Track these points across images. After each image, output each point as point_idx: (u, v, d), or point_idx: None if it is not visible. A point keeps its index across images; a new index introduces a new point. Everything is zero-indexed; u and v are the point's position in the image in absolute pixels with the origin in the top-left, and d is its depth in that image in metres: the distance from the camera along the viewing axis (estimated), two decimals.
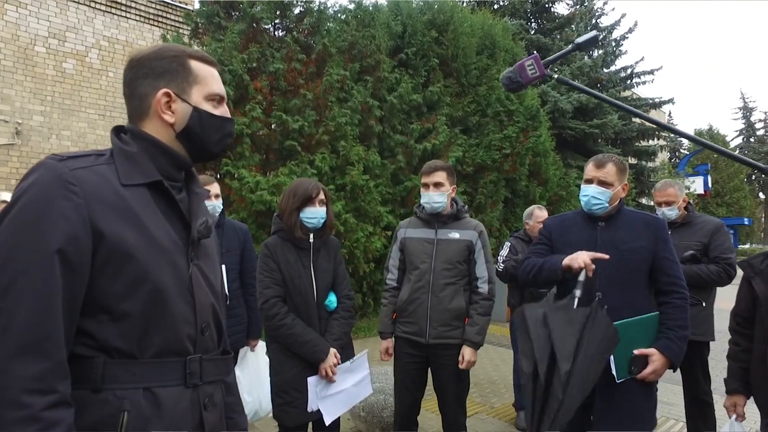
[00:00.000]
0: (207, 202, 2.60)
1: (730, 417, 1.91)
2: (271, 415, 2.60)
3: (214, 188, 2.67)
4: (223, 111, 1.06)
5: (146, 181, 0.95)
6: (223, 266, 2.52)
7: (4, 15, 8.30)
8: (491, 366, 5.25)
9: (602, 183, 1.95)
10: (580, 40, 1.46)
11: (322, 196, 2.17)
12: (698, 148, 26.19)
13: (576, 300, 1.71)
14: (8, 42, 8.33)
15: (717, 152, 1.36)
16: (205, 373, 0.99)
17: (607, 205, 1.96)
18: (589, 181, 1.98)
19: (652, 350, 1.84)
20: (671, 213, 2.84)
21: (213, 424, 1.02)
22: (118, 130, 1.02)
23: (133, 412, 0.87)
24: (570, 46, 1.50)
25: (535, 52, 1.48)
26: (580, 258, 1.80)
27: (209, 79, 1.04)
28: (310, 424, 2.25)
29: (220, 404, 1.06)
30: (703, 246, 2.73)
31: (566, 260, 1.85)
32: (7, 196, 2.47)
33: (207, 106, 1.03)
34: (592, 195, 1.95)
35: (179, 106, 1.00)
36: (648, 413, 1.93)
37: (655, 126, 16.20)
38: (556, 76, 1.45)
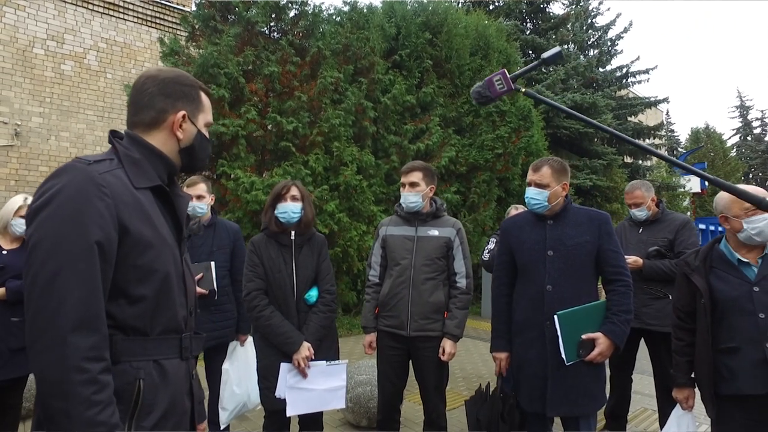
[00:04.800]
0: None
1: (682, 408, 2.03)
2: (259, 407, 2.73)
3: (198, 190, 2.75)
4: (208, 135, 1.28)
5: (151, 185, 1.11)
6: (213, 263, 2.65)
7: (3, 17, 8.40)
8: (481, 361, 5.37)
9: (538, 185, 2.16)
10: (545, 55, 1.50)
11: (293, 192, 2.33)
12: (695, 146, 26.30)
13: None
14: (7, 44, 8.43)
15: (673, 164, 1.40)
16: (192, 348, 1.18)
17: (546, 204, 2.15)
18: (529, 184, 2.20)
19: (597, 334, 2.03)
20: (640, 214, 3.00)
21: (197, 393, 1.21)
22: (114, 134, 1.16)
23: (146, 380, 1.03)
24: (536, 62, 1.58)
25: (503, 69, 1.55)
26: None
27: (209, 110, 1.26)
28: (297, 419, 2.37)
29: (197, 376, 1.25)
30: (668, 242, 2.87)
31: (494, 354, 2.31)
32: (19, 200, 2.60)
33: (205, 131, 1.24)
34: (530, 197, 2.17)
35: (188, 127, 1.19)
36: (598, 392, 2.11)
37: (650, 125, 16.31)
38: (523, 90, 1.53)
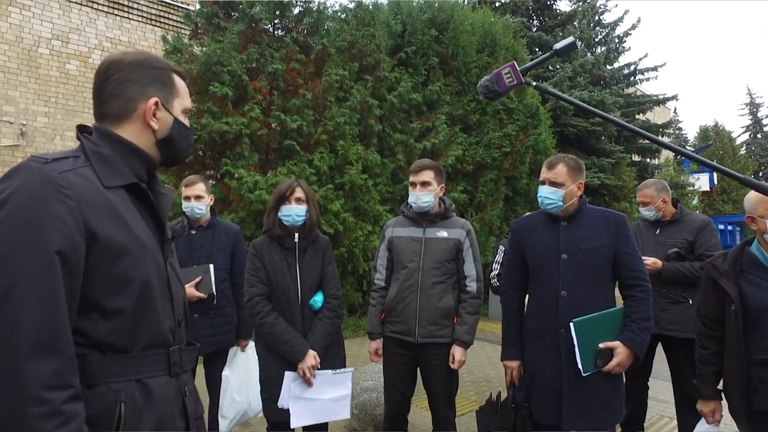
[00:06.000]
0: (186, 204, 2.63)
1: (708, 422, 1.91)
2: (261, 414, 2.64)
3: (196, 189, 2.66)
4: (188, 123, 1.15)
5: (124, 183, 0.99)
6: (212, 266, 2.56)
7: (8, 17, 8.38)
8: (489, 364, 5.26)
9: (553, 183, 2.03)
10: (558, 45, 1.43)
11: (298, 194, 2.20)
12: (704, 144, 25.99)
13: None
14: (12, 44, 8.41)
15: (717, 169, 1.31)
16: (183, 362, 1.06)
17: (561, 204, 2.03)
18: (542, 183, 2.08)
19: (616, 343, 1.91)
20: (647, 213, 2.90)
21: (192, 410, 1.09)
22: (81, 129, 1.04)
23: (128, 403, 0.92)
24: (548, 53, 1.48)
25: (512, 62, 1.45)
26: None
27: (185, 94, 1.13)
28: (302, 426, 2.27)
29: (195, 390, 1.13)
30: (688, 243, 2.75)
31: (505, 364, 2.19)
32: None
33: (183, 118, 1.12)
34: (544, 196, 2.05)
35: (163, 116, 1.07)
36: (616, 404, 1.99)
37: (658, 123, 16.10)
38: (533, 83, 1.43)
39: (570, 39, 1.45)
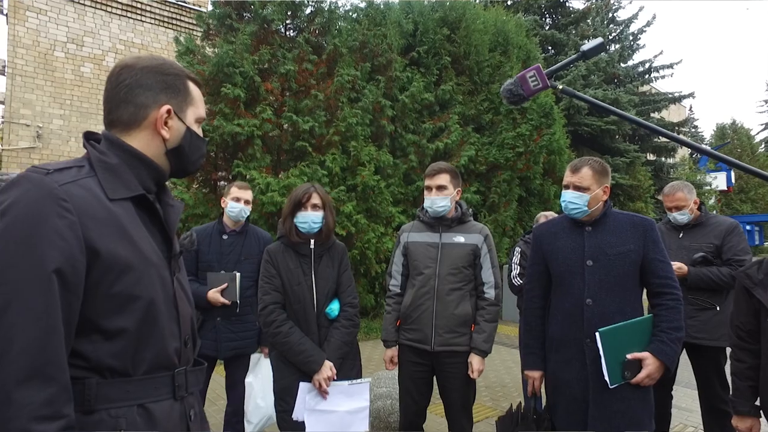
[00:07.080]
0: (235, 205, 2.65)
1: None
2: None
3: (248, 194, 2.75)
4: (201, 132, 1.10)
5: (130, 195, 0.94)
6: (238, 274, 2.56)
7: (26, 22, 8.50)
8: (503, 368, 5.18)
9: (578, 188, 1.96)
10: (585, 47, 1.39)
11: (315, 200, 2.15)
12: (721, 143, 25.52)
13: None
14: (29, 48, 8.53)
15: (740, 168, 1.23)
16: (189, 384, 1.01)
17: (586, 209, 1.95)
18: (566, 187, 2.00)
19: (645, 354, 1.84)
20: (682, 218, 2.77)
21: None
22: (88, 137, 0.99)
23: (129, 430, 0.86)
24: (575, 54, 1.43)
25: (537, 65, 1.40)
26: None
27: (200, 102, 1.08)
28: None
29: (200, 413, 1.07)
30: (715, 248, 2.64)
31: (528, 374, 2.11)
32: None
33: (196, 128, 1.07)
34: (568, 200, 1.97)
35: (175, 124, 1.02)
36: (645, 418, 1.90)
37: (674, 122, 15.80)
38: (560, 86, 1.37)
39: (598, 40, 1.41)
